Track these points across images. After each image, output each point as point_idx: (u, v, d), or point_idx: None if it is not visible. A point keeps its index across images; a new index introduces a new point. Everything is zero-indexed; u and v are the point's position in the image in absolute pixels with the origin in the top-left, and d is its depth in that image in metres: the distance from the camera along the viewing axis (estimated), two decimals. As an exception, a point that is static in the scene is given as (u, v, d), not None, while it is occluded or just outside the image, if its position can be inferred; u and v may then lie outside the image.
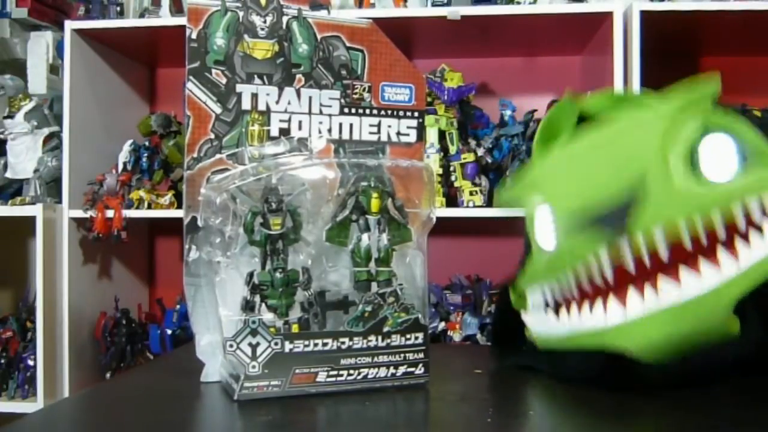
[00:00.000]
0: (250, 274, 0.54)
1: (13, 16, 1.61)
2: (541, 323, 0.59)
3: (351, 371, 0.54)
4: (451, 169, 1.44)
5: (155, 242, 1.84)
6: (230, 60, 0.59)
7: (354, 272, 0.56)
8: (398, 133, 0.63)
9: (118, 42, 1.58)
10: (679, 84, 0.54)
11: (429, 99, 1.42)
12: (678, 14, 1.32)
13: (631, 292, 0.50)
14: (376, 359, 0.55)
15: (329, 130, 0.61)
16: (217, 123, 0.59)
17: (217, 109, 0.59)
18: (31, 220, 1.42)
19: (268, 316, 0.54)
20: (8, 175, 1.51)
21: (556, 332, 0.57)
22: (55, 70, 1.58)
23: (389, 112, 0.62)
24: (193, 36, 0.58)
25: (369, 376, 0.55)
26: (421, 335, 0.56)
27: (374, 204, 0.56)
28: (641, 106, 0.56)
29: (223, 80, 0.59)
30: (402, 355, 0.55)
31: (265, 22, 0.59)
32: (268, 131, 0.60)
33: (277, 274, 0.54)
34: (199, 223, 0.57)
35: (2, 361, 1.50)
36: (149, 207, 1.48)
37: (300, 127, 0.60)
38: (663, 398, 0.52)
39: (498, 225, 1.34)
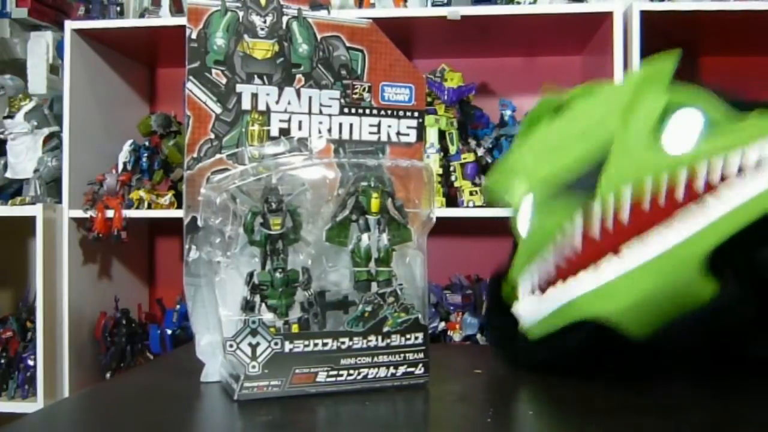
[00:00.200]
0: (250, 274, 0.54)
1: (13, 16, 1.62)
2: (531, 310, 0.59)
3: (351, 371, 0.54)
4: (451, 169, 1.44)
5: (155, 242, 1.84)
6: (230, 60, 0.59)
7: (354, 272, 0.56)
8: (398, 133, 0.63)
9: (118, 42, 1.58)
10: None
11: (429, 99, 1.42)
12: (678, 14, 1.32)
13: (602, 260, 0.51)
14: (376, 359, 0.55)
15: (329, 130, 0.61)
16: (217, 123, 0.59)
17: (217, 109, 0.59)
18: (31, 220, 1.42)
19: (268, 316, 0.54)
20: (8, 175, 1.52)
21: (542, 314, 0.57)
22: (55, 70, 1.58)
23: (389, 112, 0.62)
24: (193, 36, 0.58)
25: (369, 376, 0.55)
26: (421, 335, 0.56)
27: (374, 204, 0.56)
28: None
29: (223, 80, 0.59)
30: (402, 355, 0.55)
31: (265, 22, 0.59)
32: (268, 131, 0.60)
33: (277, 274, 0.54)
34: (199, 223, 0.57)
35: (2, 361, 1.50)
36: (149, 207, 1.48)
37: (300, 127, 0.60)
38: (664, 398, 0.52)
39: (498, 225, 1.34)
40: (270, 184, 0.55)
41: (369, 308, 0.54)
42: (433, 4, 1.44)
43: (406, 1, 1.47)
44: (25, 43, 1.59)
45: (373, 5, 1.47)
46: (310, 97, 0.61)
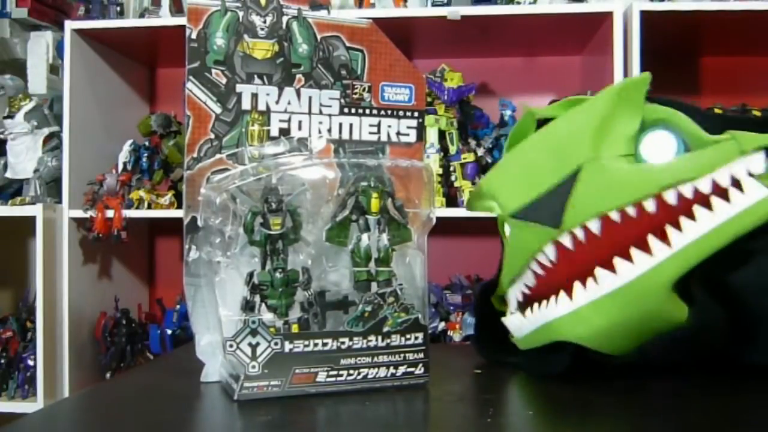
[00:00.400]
0: (250, 274, 0.54)
1: (13, 16, 1.62)
2: (516, 326, 0.60)
3: (351, 371, 0.54)
4: (451, 169, 1.45)
5: (155, 242, 1.84)
6: (230, 60, 0.59)
7: (354, 272, 0.56)
8: (398, 133, 0.63)
9: (118, 42, 1.58)
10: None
11: (429, 99, 1.42)
12: (678, 14, 1.32)
13: (576, 284, 0.52)
14: (376, 359, 0.55)
15: (329, 130, 0.61)
16: (217, 123, 0.59)
17: (217, 109, 0.59)
18: (31, 220, 1.42)
19: (268, 316, 0.54)
20: (8, 175, 1.52)
21: (525, 332, 0.58)
22: (55, 70, 1.58)
23: (389, 112, 0.62)
24: (193, 36, 0.58)
25: (369, 376, 0.55)
26: (421, 335, 0.56)
27: (374, 204, 0.56)
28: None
29: (223, 80, 0.59)
30: (402, 355, 0.55)
31: (265, 22, 0.59)
32: (268, 131, 0.60)
33: (277, 274, 0.54)
34: (199, 223, 0.57)
35: (2, 361, 1.50)
36: (149, 207, 1.48)
37: (300, 127, 0.60)
38: (664, 398, 0.52)
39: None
40: (270, 184, 0.55)
41: (369, 308, 0.54)
42: (433, 4, 1.44)
43: (406, 1, 1.47)
44: (25, 43, 1.59)
45: (373, 5, 1.47)
46: (310, 97, 0.61)
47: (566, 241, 0.52)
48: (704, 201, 0.49)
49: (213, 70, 0.58)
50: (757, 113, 1.40)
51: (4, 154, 1.53)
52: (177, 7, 1.49)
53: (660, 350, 0.53)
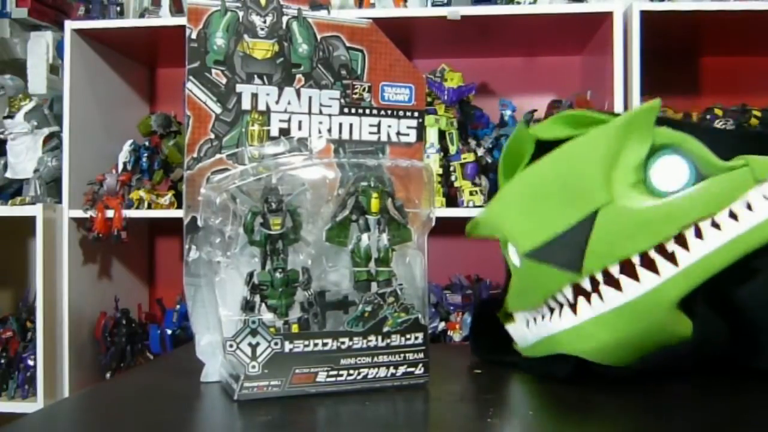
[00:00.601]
0: (250, 274, 0.54)
1: (13, 16, 1.62)
2: (520, 336, 0.61)
3: (351, 371, 0.54)
4: (451, 169, 1.44)
5: (155, 242, 1.84)
6: (230, 60, 0.59)
7: (354, 272, 0.56)
8: (398, 133, 0.63)
9: (118, 42, 1.58)
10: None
11: (429, 99, 1.42)
12: (678, 14, 1.32)
13: (580, 299, 0.52)
14: (376, 359, 0.55)
15: (329, 130, 0.61)
16: (217, 123, 0.59)
17: (217, 109, 0.59)
18: (31, 220, 1.42)
19: (268, 316, 0.54)
20: (8, 175, 1.52)
21: (529, 342, 0.59)
22: (55, 70, 1.58)
23: (389, 112, 0.62)
24: (193, 36, 0.58)
25: (369, 376, 0.55)
26: (421, 335, 0.56)
27: (374, 204, 0.56)
28: (585, 127, 0.56)
29: (223, 80, 0.59)
30: (402, 355, 0.55)
31: (265, 22, 0.59)
32: (268, 131, 0.60)
33: (277, 274, 0.54)
34: (199, 223, 0.57)
35: (2, 361, 1.50)
36: (149, 207, 1.48)
37: (300, 127, 0.60)
38: (664, 398, 0.52)
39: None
40: (270, 184, 0.55)
41: (369, 308, 0.54)
42: (433, 4, 1.44)
43: (406, 1, 1.47)
44: (25, 43, 1.59)
45: (373, 5, 1.47)
46: (310, 97, 0.61)
47: (586, 284, 0.51)
48: (711, 225, 0.49)
49: (213, 70, 0.58)
50: (757, 113, 1.40)
51: (4, 154, 1.53)
52: (177, 7, 1.49)
53: (661, 361, 0.53)
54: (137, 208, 1.47)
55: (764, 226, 0.48)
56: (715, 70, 1.67)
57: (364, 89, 0.62)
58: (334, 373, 0.54)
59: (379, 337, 0.55)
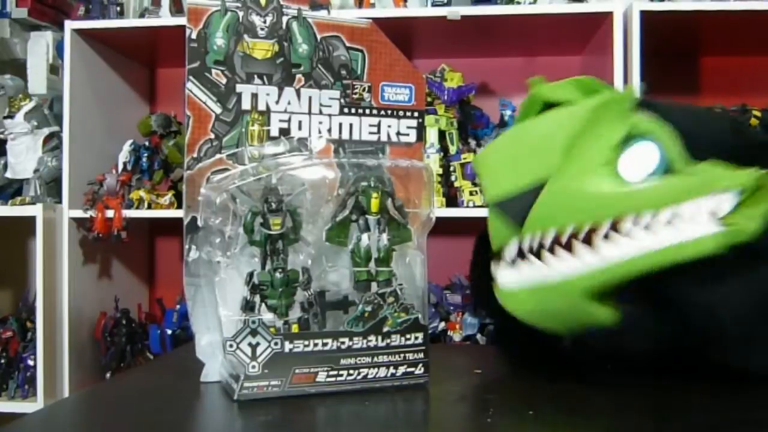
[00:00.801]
0: (250, 274, 0.54)
1: (13, 16, 1.62)
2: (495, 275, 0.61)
3: (351, 371, 0.54)
4: (451, 169, 1.44)
5: (155, 242, 1.84)
6: (230, 60, 0.59)
7: (354, 272, 0.56)
8: (398, 133, 0.63)
9: (118, 42, 1.58)
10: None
11: (429, 99, 1.42)
12: (678, 14, 1.32)
13: (519, 263, 0.54)
14: (376, 359, 0.55)
15: (329, 130, 0.61)
16: (217, 123, 0.59)
17: (217, 109, 0.59)
18: (31, 220, 1.42)
19: (268, 316, 0.54)
20: (8, 175, 1.52)
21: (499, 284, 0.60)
22: (55, 70, 1.58)
23: (389, 112, 0.62)
24: (193, 36, 0.58)
25: (369, 376, 0.55)
26: (421, 335, 0.56)
27: (374, 204, 0.56)
28: (591, 94, 0.57)
29: (223, 80, 0.59)
30: (402, 355, 0.55)
31: (265, 22, 0.59)
32: (268, 131, 0.60)
33: (277, 274, 0.54)
34: (199, 223, 0.57)
35: (2, 361, 1.50)
36: (149, 207, 1.48)
37: (300, 127, 0.60)
38: (664, 398, 0.52)
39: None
40: (270, 184, 0.55)
41: (369, 308, 0.54)
42: (433, 4, 1.44)
43: (406, 1, 1.47)
44: (25, 43, 1.59)
45: (373, 5, 1.47)
46: (310, 97, 0.61)
47: (524, 243, 0.54)
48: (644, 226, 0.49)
49: (213, 70, 0.58)
50: (757, 113, 1.40)
51: (4, 154, 1.53)
52: (177, 7, 1.49)
53: (591, 341, 0.54)
54: (137, 208, 1.47)
55: (699, 243, 0.47)
56: (715, 70, 1.67)
57: (364, 89, 0.62)
58: (334, 373, 0.54)
59: (379, 337, 0.55)
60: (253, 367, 0.52)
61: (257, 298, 0.54)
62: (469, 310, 1.45)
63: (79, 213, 1.46)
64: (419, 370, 0.56)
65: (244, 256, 0.56)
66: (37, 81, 1.57)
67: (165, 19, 1.48)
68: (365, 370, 0.54)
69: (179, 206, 1.46)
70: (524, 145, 0.56)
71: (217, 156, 0.58)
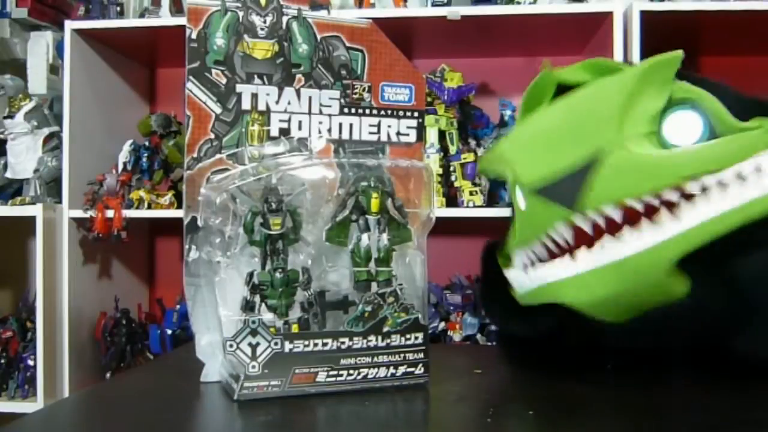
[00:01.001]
0: (250, 274, 0.54)
1: (13, 16, 1.61)
2: (519, 282, 0.60)
3: (351, 371, 0.54)
4: (451, 169, 1.44)
5: (155, 242, 1.84)
6: (230, 60, 0.59)
7: (354, 272, 0.56)
8: (398, 133, 0.63)
9: (118, 42, 1.58)
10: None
11: (429, 99, 1.42)
12: (678, 14, 1.32)
13: (582, 249, 0.51)
14: (375, 359, 0.55)
15: (329, 130, 0.61)
16: (217, 123, 0.59)
17: (217, 109, 0.59)
18: (31, 220, 1.42)
19: (268, 316, 0.54)
20: (8, 175, 1.51)
21: (526, 289, 0.58)
22: (55, 70, 1.58)
23: (389, 112, 0.62)
24: (193, 36, 0.58)
25: (369, 376, 0.55)
26: (421, 335, 0.56)
27: (374, 204, 0.56)
28: (608, 75, 0.56)
29: (223, 80, 0.59)
30: (402, 355, 0.55)
31: (265, 22, 0.59)
32: (268, 131, 0.60)
33: (277, 274, 0.54)
34: (199, 223, 0.57)
35: (2, 361, 1.50)
36: (149, 207, 1.48)
37: (300, 127, 0.60)
38: (664, 398, 0.52)
39: (498, 225, 1.34)
40: (270, 184, 0.55)
41: (369, 308, 0.54)
42: (433, 4, 1.44)
43: (406, 1, 1.47)
44: (25, 43, 1.59)
45: (373, 5, 1.47)
46: (310, 97, 0.61)
47: (582, 223, 0.51)
48: (718, 186, 0.48)
49: (213, 70, 0.58)
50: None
51: (4, 154, 1.53)
52: (177, 7, 1.49)
53: (654, 323, 0.52)
54: (137, 208, 1.47)
55: None
56: (715, 70, 1.67)
57: (364, 89, 0.62)
58: (334, 373, 0.54)
59: (379, 337, 0.55)
60: (253, 367, 0.52)
61: (257, 298, 0.54)
62: (469, 310, 1.45)
63: (79, 213, 1.46)
64: (419, 370, 0.56)
65: (244, 256, 0.56)
66: (37, 81, 1.57)
67: (165, 19, 1.48)
68: (365, 370, 0.54)
69: (179, 206, 1.46)
70: (564, 124, 0.54)
71: (217, 156, 0.58)
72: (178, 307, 1.55)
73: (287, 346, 0.53)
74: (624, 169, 0.50)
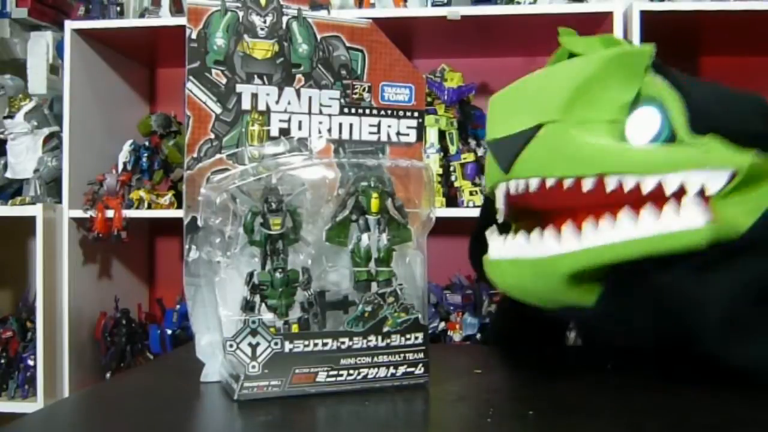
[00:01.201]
0: (250, 274, 0.54)
1: (13, 16, 1.62)
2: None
3: (351, 371, 0.54)
4: (451, 169, 1.45)
5: (155, 242, 1.84)
6: (230, 60, 0.59)
7: (354, 272, 0.56)
8: (398, 133, 0.63)
9: (118, 42, 1.58)
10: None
11: (429, 99, 1.42)
12: (678, 14, 1.32)
13: (509, 238, 0.55)
14: (375, 359, 0.55)
15: (329, 130, 0.61)
16: (217, 123, 0.59)
17: (217, 109, 0.59)
18: (31, 220, 1.42)
19: (268, 316, 0.54)
20: (8, 175, 1.52)
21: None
22: (55, 70, 1.58)
23: (389, 112, 0.62)
24: (193, 36, 0.58)
25: (369, 376, 0.55)
26: (421, 335, 0.56)
27: (374, 204, 0.56)
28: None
29: (223, 80, 0.59)
30: (402, 355, 0.55)
31: (265, 22, 0.59)
32: (268, 131, 0.60)
33: (277, 274, 0.54)
34: (199, 223, 0.57)
35: (2, 361, 1.50)
36: (149, 207, 1.48)
37: (300, 127, 0.60)
38: (664, 398, 0.52)
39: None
40: (270, 184, 0.55)
41: (369, 308, 0.54)
42: (433, 4, 1.44)
43: (406, 1, 1.47)
44: (25, 43, 1.59)
45: (373, 5, 1.47)
46: (310, 97, 0.61)
47: (511, 187, 0.54)
48: (636, 202, 0.48)
49: (213, 70, 0.58)
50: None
51: (4, 154, 1.53)
52: (177, 7, 1.49)
53: (571, 318, 0.55)
54: (137, 208, 1.48)
55: (682, 236, 0.47)
56: (715, 70, 1.67)
57: (364, 89, 0.62)
58: (334, 373, 0.54)
59: (379, 337, 0.55)
60: (253, 367, 0.52)
61: (257, 298, 0.54)
62: (469, 310, 1.45)
63: (79, 213, 1.46)
64: (419, 370, 0.56)
65: (244, 256, 0.56)
66: (37, 81, 1.57)
67: (165, 19, 1.48)
68: (365, 370, 0.54)
69: (179, 206, 1.46)
70: (529, 91, 0.55)
71: (217, 156, 0.58)
72: (178, 307, 1.55)
73: (287, 346, 0.53)
74: (551, 147, 0.51)
